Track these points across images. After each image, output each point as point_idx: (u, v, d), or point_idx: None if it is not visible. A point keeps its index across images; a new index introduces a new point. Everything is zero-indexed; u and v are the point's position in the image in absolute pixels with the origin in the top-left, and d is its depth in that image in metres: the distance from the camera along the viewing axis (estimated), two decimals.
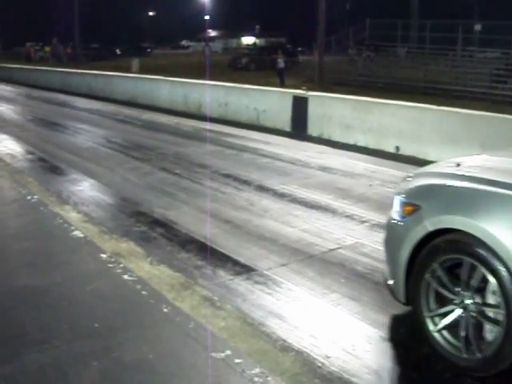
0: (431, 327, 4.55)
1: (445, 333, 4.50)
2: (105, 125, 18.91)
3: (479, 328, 4.28)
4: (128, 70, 36.28)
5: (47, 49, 68.94)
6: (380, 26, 33.78)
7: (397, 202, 4.89)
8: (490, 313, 4.22)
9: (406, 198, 4.79)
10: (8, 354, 4.44)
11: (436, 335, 4.53)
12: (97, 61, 54.97)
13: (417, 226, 4.55)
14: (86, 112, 22.73)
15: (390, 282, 4.95)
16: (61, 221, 7.66)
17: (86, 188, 10.38)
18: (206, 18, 75.98)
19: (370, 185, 10.48)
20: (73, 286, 5.67)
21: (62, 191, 9.93)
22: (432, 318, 4.56)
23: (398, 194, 4.95)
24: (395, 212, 4.90)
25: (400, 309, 5.49)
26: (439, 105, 13.34)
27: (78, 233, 7.17)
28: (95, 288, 5.60)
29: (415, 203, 4.65)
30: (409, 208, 4.69)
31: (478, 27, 32.26)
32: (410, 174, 5.28)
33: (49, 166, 12.23)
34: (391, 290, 4.98)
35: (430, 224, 4.46)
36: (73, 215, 8.10)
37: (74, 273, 6.00)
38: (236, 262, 6.71)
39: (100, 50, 65.90)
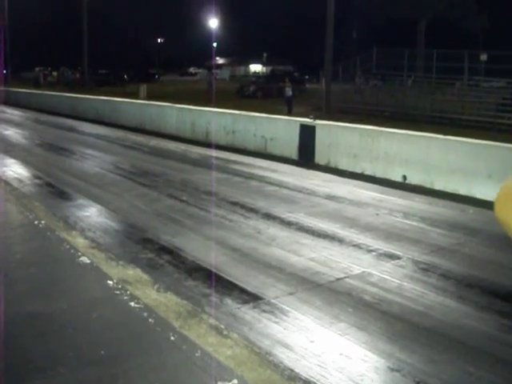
0: None
1: None
2: (112, 150, 18.99)
3: None
4: (136, 96, 36.54)
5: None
6: (387, 55, 34.02)
7: None
8: None
9: None
10: (12, 382, 4.41)
11: None
12: (105, 86, 55.49)
13: None
14: (94, 137, 22.85)
15: None
16: (67, 246, 7.65)
17: (93, 214, 10.38)
18: (214, 45, 76.68)
19: (377, 214, 10.46)
20: (79, 312, 5.64)
21: (69, 217, 9.94)
22: None
23: None
24: None
25: (409, 340, 5.46)
26: (446, 134, 13.36)
27: (84, 259, 7.16)
28: (101, 315, 5.57)
29: None
30: None
31: (483, 57, 32.36)
32: None
33: (56, 191, 12.26)
34: None
35: None
36: (80, 241, 8.09)
37: (80, 299, 5.98)
38: (243, 291, 6.68)
39: (108, 76, 66.52)
